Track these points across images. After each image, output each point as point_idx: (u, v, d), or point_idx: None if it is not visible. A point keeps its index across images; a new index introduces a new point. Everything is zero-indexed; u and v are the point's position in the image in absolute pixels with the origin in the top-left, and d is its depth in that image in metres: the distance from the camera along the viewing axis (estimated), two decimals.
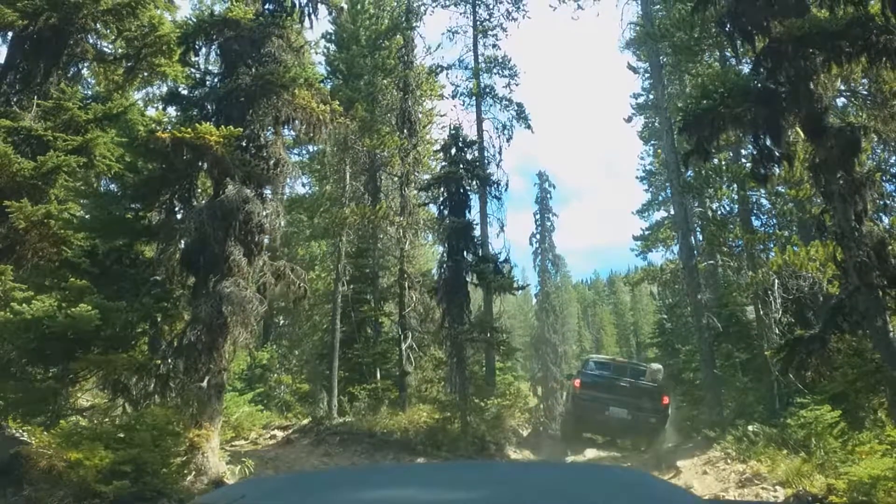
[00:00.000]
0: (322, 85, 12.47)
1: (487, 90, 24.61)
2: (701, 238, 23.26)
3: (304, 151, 29.93)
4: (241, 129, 10.49)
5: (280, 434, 17.48)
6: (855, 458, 9.70)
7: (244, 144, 11.13)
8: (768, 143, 9.67)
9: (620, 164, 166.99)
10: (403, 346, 19.62)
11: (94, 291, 9.67)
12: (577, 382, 18.44)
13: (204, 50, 12.64)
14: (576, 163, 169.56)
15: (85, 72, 18.15)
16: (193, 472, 9.37)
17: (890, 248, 8.69)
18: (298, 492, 2.14)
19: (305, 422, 18.13)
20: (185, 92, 12.51)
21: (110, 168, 13.86)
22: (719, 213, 20.47)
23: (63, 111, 14.24)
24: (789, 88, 9.84)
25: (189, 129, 10.10)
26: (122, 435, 8.72)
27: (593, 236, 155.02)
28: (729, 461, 13.86)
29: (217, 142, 10.06)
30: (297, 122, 11.67)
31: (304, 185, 29.44)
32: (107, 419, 9.42)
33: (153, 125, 10.44)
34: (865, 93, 13.79)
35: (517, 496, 1.88)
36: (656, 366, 18.93)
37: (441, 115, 25.95)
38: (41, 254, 12.62)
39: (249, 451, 15.37)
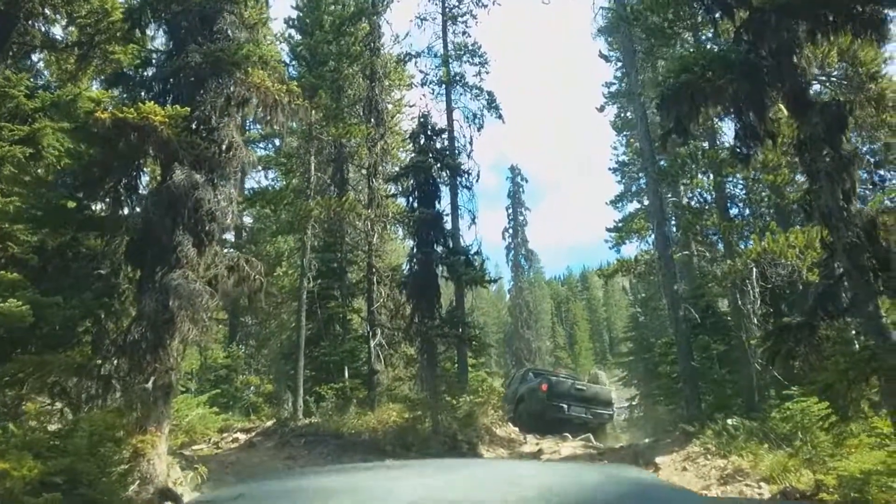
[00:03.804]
0: (279, 64, 11.71)
1: (458, 78, 23.91)
2: (675, 228, 22.88)
3: (269, 146, 29.19)
4: (189, 109, 9.72)
5: (242, 437, 16.72)
6: (844, 453, 9.23)
7: (194, 127, 10.34)
8: (751, 119, 9.11)
9: (592, 161, 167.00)
10: (372, 344, 18.91)
11: (27, 286, 8.83)
12: (544, 387, 20.50)
13: (153, 27, 11.86)
14: (547, 161, 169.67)
15: (41, 65, 17.36)
16: (138, 481, 8.59)
17: (884, 225, 8.18)
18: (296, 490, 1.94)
19: (269, 424, 17.37)
20: (131, 73, 11.67)
21: (60, 160, 13.06)
22: (694, 202, 20.03)
23: (8, 99, 13.38)
24: (772, 62, 9.31)
25: (131, 109, 9.32)
26: (56, 442, 7.93)
27: (565, 234, 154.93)
28: (709, 456, 13.34)
29: (162, 122, 9.28)
30: (251, 102, 10.92)
31: (270, 179, 28.70)
32: (39, 425, 8.54)
33: (92, 105, 9.61)
34: (841, 76, 13.39)
35: (521, 495, 2.39)
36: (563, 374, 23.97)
37: (410, 106, 25.31)
38: None
39: (209, 456, 14.61)
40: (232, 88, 10.61)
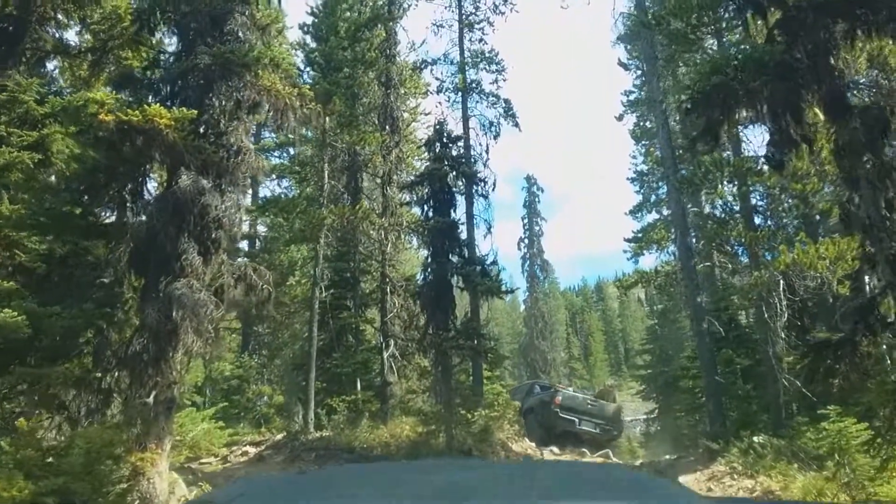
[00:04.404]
0: (291, 66, 11.34)
1: (474, 85, 23.40)
2: (695, 239, 22.30)
3: (284, 154, 28.89)
4: (196, 112, 9.34)
5: (252, 450, 16.29)
6: (886, 476, 8.66)
7: (202, 131, 9.98)
8: (787, 123, 8.60)
9: (607, 172, 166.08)
10: (385, 355, 18.47)
11: (25, 296, 8.46)
12: (557, 400, 20.59)
13: (163, 29, 11.53)
14: (561, 173, 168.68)
15: (56, 73, 17.20)
16: (137, 501, 8.17)
17: None
18: (297, 491, 2.71)
19: (279, 437, 16.94)
20: (138, 75, 11.33)
21: (69, 166, 12.77)
22: (718, 212, 19.47)
23: (18, 104, 13.13)
24: (808, 63, 8.81)
25: (136, 112, 8.96)
26: (51, 460, 7.53)
27: (579, 246, 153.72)
28: (735, 476, 12.79)
29: (168, 125, 8.92)
30: (262, 106, 10.54)
31: (284, 188, 28.38)
32: (33, 441, 8.13)
33: (96, 107, 9.25)
34: (870, 83, 12.88)
35: (526, 493, 2.46)
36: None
37: (426, 114, 24.90)
38: None
39: (217, 471, 14.20)
40: (242, 91, 10.24)
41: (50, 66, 16.85)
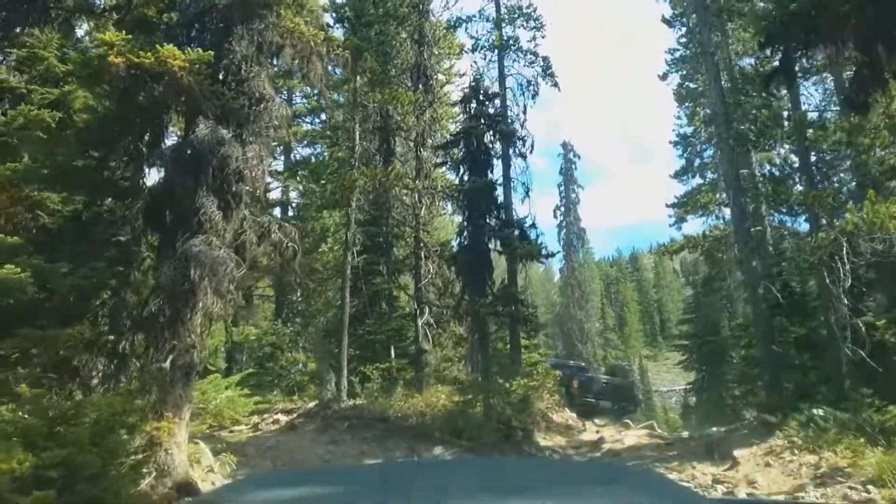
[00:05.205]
0: (317, 8, 10.50)
1: (511, 43, 22.34)
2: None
3: (315, 120, 28.17)
4: (213, 54, 8.56)
5: (283, 418, 15.82)
6: None
7: (221, 77, 9.21)
8: (879, 54, 7.50)
9: (643, 144, 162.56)
10: (420, 322, 17.75)
11: (30, 251, 7.82)
12: (574, 383, 21.17)
13: None
14: (596, 144, 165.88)
15: (85, 37, 16.71)
16: (154, 474, 7.56)
17: None
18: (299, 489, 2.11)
19: (311, 405, 16.41)
20: (153, 19, 10.56)
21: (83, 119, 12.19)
22: (772, 171, 18.22)
23: (38, 61, 12.56)
24: None
25: (148, 54, 8.22)
26: (60, 430, 6.91)
27: (613, 217, 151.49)
28: (796, 451, 11.86)
29: (182, 67, 8.16)
30: (285, 50, 9.72)
31: (316, 152, 27.74)
32: (37, 408, 7.53)
33: (104, 49, 8.50)
34: None
35: (524, 492, 1.88)
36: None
37: (460, 76, 23.91)
38: (15, 220, 10.93)
39: (246, 440, 13.72)
40: (263, 34, 9.43)
41: (80, 32, 16.38)
